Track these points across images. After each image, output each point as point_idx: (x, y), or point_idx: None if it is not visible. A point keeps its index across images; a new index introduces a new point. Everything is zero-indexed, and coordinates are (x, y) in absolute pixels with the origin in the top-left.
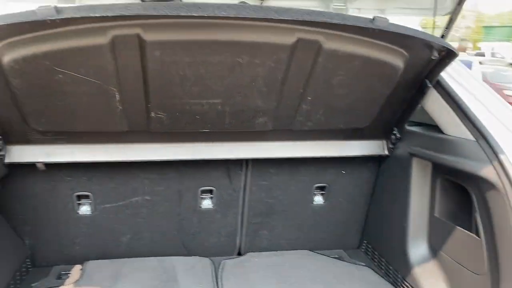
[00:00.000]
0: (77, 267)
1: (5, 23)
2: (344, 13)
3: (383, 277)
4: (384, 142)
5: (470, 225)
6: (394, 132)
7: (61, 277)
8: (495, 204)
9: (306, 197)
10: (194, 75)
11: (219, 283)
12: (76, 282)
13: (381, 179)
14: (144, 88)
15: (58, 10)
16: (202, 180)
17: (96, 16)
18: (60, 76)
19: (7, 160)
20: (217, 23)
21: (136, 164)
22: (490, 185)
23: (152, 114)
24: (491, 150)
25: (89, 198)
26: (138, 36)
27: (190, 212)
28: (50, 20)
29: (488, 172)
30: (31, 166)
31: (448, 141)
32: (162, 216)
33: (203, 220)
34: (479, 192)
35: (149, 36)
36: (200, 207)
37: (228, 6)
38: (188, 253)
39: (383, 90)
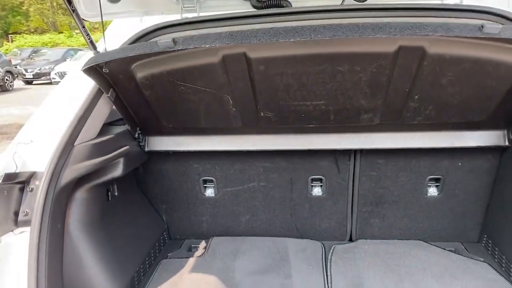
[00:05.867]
0: (204, 242)
1: (136, 54)
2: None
3: (502, 275)
4: (505, 132)
5: None
6: None
7: (191, 250)
8: None
9: (418, 188)
10: (297, 83)
11: (328, 266)
12: (202, 256)
13: (505, 171)
14: (253, 95)
15: (175, 41)
16: (311, 169)
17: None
18: (182, 88)
19: (146, 149)
20: (316, 40)
21: (251, 154)
22: None
23: (261, 114)
24: None
25: (213, 183)
26: (244, 54)
27: (302, 198)
28: (170, 49)
29: None
30: (166, 154)
31: None
32: (276, 200)
33: (314, 206)
34: None
35: (254, 54)
36: (311, 194)
37: (324, 27)
38: (301, 235)
39: (499, 88)
